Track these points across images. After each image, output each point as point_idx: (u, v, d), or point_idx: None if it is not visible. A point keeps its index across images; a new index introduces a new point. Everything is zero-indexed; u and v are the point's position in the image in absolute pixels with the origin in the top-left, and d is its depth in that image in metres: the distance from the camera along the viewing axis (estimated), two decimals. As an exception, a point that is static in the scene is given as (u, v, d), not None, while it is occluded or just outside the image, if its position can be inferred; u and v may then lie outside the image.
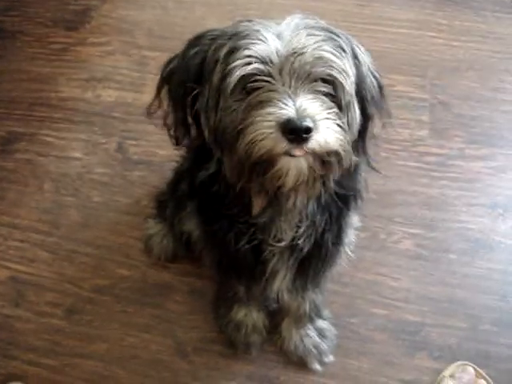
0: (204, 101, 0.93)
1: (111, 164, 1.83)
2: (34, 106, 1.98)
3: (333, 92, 0.89)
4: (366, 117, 0.96)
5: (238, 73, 0.87)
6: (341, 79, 0.89)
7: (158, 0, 2.28)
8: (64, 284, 1.60)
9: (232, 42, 0.89)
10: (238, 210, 1.04)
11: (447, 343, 1.50)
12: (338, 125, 0.88)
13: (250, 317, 1.49)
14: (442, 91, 1.98)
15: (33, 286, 1.60)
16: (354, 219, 1.60)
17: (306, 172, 0.88)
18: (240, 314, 1.49)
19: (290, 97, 0.84)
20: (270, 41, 0.87)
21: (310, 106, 0.84)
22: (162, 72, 1.00)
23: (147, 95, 1.96)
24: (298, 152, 0.84)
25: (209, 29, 0.96)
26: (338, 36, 0.91)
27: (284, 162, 0.86)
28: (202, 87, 0.93)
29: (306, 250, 1.11)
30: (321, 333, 1.49)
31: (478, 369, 1.43)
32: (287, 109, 0.83)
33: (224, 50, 0.89)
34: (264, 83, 0.87)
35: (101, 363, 1.48)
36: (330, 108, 0.88)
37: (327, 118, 0.86)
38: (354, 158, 0.95)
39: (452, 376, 1.43)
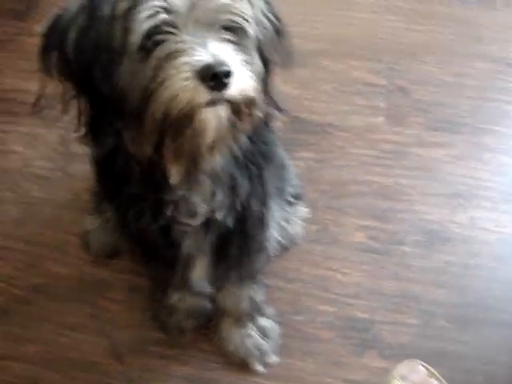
0: (102, 67, 0.84)
1: (52, 157, 1.75)
2: (-24, 99, 1.91)
3: (237, 40, 0.85)
4: (265, 63, 0.93)
5: (143, 26, 0.79)
6: (244, 25, 0.85)
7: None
8: (-2, 283, 1.53)
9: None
10: (145, 187, 0.96)
11: (399, 341, 1.42)
12: (252, 71, 0.85)
13: (184, 301, 1.41)
14: (400, 76, 1.90)
15: (-36, 285, 1.53)
16: (302, 211, 1.54)
17: (226, 123, 0.83)
18: (173, 298, 1.41)
19: (200, 45, 0.79)
20: None
21: (224, 51, 0.80)
22: (53, 42, 0.89)
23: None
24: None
25: None
26: None
27: (204, 114, 0.80)
28: (99, 53, 0.84)
29: (229, 224, 1.04)
30: (263, 332, 1.41)
31: (429, 368, 1.34)
32: (202, 55, 0.78)
33: (122, 6, 0.81)
34: (169, 35, 0.80)
35: (31, 366, 1.40)
36: (241, 53, 0.84)
37: (241, 65, 0.82)
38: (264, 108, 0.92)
39: (402, 377, 1.34)
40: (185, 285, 1.35)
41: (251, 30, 0.87)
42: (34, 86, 1.93)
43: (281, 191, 1.27)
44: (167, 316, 1.43)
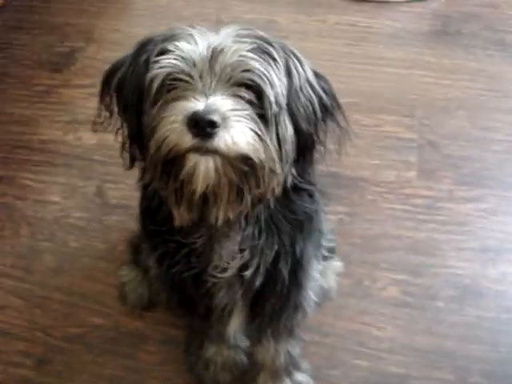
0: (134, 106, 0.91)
1: (89, 208, 1.78)
2: (14, 149, 1.95)
3: (256, 101, 0.85)
4: (301, 136, 0.91)
5: (161, 72, 0.85)
6: (264, 87, 0.85)
7: (143, 42, 2.25)
8: (35, 332, 1.54)
9: (163, 44, 0.87)
10: (169, 226, 0.98)
11: (435, 397, 1.42)
12: (254, 130, 0.83)
13: (220, 354, 1.41)
14: (431, 131, 1.93)
15: (3, 334, 1.54)
16: (335, 265, 1.55)
17: (213, 174, 0.83)
18: (210, 351, 1.41)
19: (205, 95, 0.82)
20: (197, 42, 0.86)
21: (221, 103, 0.81)
22: (108, 79, 0.98)
23: (128, 138, 1.94)
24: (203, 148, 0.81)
25: (153, 33, 0.94)
26: (271, 45, 0.88)
27: (192, 160, 0.82)
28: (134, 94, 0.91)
29: (257, 283, 1.05)
30: None
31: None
32: (196, 103, 0.81)
33: (155, 53, 0.88)
34: (183, 83, 0.85)
35: (68, 417, 1.41)
36: (245, 110, 0.84)
37: (239, 119, 0.82)
38: (292, 180, 0.93)
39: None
40: (221, 338, 1.37)
41: (273, 93, 0.85)
42: (69, 137, 1.99)
43: (316, 250, 1.26)
44: (203, 369, 1.43)
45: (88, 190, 1.83)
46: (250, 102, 0.85)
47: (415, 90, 2.05)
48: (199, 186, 0.84)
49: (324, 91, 0.94)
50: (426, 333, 1.51)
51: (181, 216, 0.92)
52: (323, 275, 1.48)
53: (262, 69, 0.85)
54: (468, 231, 1.70)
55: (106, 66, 2.30)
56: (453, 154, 1.87)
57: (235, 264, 1.02)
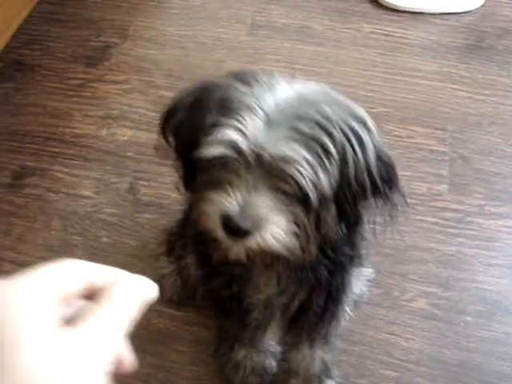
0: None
1: (121, 204, 1.79)
2: (48, 141, 1.96)
3: (299, 193, 0.84)
4: (344, 214, 0.91)
5: (210, 151, 0.85)
6: (308, 191, 0.83)
7: (178, 40, 2.26)
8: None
9: (218, 113, 0.87)
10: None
11: (461, 411, 1.43)
12: (290, 228, 0.85)
13: (250, 358, 1.43)
14: (463, 145, 1.93)
15: (32, 326, 1.55)
16: (364, 272, 1.56)
17: (245, 256, 0.87)
18: (240, 354, 1.43)
19: (245, 189, 0.83)
20: (249, 127, 0.83)
21: (258, 207, 0.83)
22: (166, 119, 0.99)
23: (162, 136, 1.94)
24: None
25: (210, 83, 0.94)
26: (329, 134, 0.84)
27: (225, 242, 0.87)
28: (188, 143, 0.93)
29: (293, 307, 1.08)
30: None
31: None
32: (233, 203, 0.83)
33: (210, 120, 0.88)
34: (232, 165, 0.85)
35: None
36: (284, 208, 0.84)
37: (275, 220, 0.84)
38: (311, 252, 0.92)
39: None
40: (252, 342, 1.39)
41: (315, 193, 0.83)
42: (102, 132, 2.00)
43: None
44: (233, 371, 1.44)
45: (120, 186, 1.84)
46: (291, 194, 0.85)
47: (448, 104, 2.05)
48: (232, 258, 0.89)
49: (381, 177, 0.90)
50: (453, 346, 1.52)
51: (217, 257, 0.96)
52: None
53: (309, 169, 0.82)
54: (497, 247, 1.71)
55: (141, 63, 2.32)
56: (484, 170, 1.88)
57: (271, 291, 1.06)
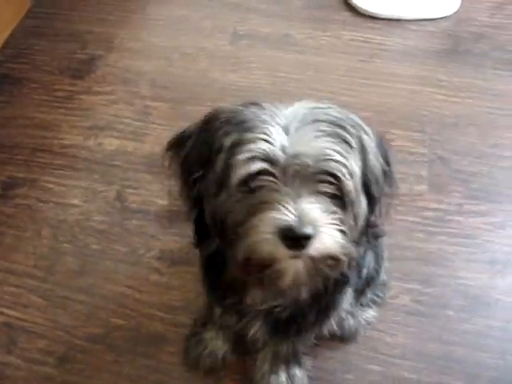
0: (206, 185, 0.94)
1: (109, 212, 1.83)
2: (36, 152, 2.00)
3: (338, 193, 0.88)
4: (369, 200, 0.95)
5: (242, 171, 0.86)
6: (346, 181, 0.88)
7: (162, 51, 2.31)
8: (57, 331, 1.58)
9: (237, 133, 0.89)
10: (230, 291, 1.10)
11: (446, 402, 1.47)
12: (341, 230, 0.87)
13: (215, 342, 1.47)
14: (441, 146, 1.99)
15: (25, 332, 1.58)
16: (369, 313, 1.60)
17: (305, 274, 0.89)
18: (208, 334, 1.48)
19: (292, 199, 0.84)
20: (276, 137, 0.86)
21: (311, 212, 0.84)
22: (176, 152, 1.01)
23: (148, 145, 1.99)
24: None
25: (220, 110, 0.96)
26: (345, 129, 0.90)
27: (283, 264, 0.87)
28: (206, 171, 0.93)
29: (283, 317, 1.12)
30: (292, 380, 1.45)
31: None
32: (288, 214, 0.83)
33: (229, 141, 0.89)
34: (267, 182, 0.86)
35: (90, 415, 1.45)
36: (334, 213, 0.87)
37: (329, 224, 0.86)
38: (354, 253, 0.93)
39: None
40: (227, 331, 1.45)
41: (352, 183, 0.88)
42: (90, 142, 2.04)
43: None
44: (193, 345, 1.49)
45: (108, 194, 1.88)
46: (331, 196, 0.88)
47: (426, 107, 2.11)
48: (287, 283, 0.90)
49: (385, 159, 0.98)
50: (436, 340, 1.57)
51: (254, 296, 1.05)
52: (353, 316, 1.54)
53: (346, 163, 0.87)
54: (477, 244, 1.76)
55: (126, 74, 2.35)
56: (462, 169, 1.93)
57: (273, 303, 1.09)
